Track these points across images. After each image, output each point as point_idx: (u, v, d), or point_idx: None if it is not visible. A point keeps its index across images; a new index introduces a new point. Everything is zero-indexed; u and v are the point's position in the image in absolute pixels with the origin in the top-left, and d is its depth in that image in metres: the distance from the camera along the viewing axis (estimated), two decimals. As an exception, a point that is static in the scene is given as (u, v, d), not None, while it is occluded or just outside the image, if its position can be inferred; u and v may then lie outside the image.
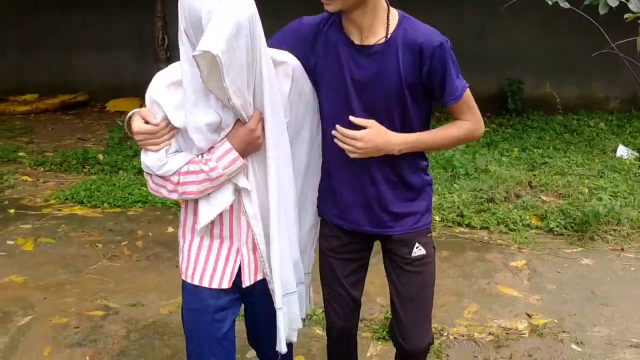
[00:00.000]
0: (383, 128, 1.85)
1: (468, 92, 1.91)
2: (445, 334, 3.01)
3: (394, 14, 1.85)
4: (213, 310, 1.82)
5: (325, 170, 2.01)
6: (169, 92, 1.68)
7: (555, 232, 4.24)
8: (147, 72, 9.11)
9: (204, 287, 1.82)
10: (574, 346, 2.94)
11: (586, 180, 5.09)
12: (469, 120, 1.94)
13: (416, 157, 1.96)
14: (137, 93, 8.91)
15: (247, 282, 1.85)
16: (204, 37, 1.52)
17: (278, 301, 1.82)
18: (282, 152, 1.77)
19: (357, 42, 1.85)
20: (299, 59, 1.85)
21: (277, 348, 1.85)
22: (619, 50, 5.71)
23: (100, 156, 6.00)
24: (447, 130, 1.94)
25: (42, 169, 5.85)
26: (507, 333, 3.02)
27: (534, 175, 5.37)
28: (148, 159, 1.72)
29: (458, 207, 4.56)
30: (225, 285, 1.83)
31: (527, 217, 4.44)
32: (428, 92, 1.88)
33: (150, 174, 1.75)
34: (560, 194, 4.91)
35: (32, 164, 5.96)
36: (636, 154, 5.96)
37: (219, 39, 1.50)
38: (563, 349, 2.91)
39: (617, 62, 5.67)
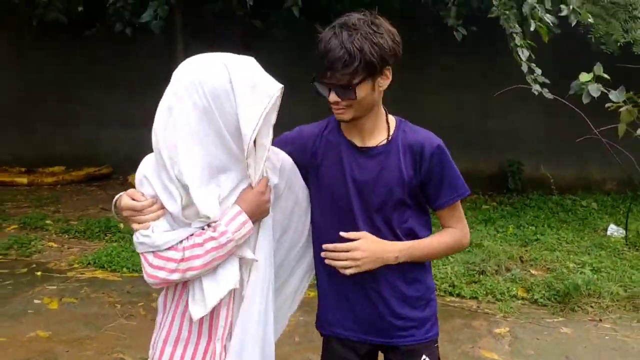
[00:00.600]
0: (376, 237, 1.86)
1: (460, 202, 1.96)
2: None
3: (391, 118, 1.95)
4: None
5: (319, 281, 1.99)
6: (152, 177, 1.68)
7: (539, 303, 4.56)
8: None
9: None
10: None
11: (573, 256, 5.42)
12: (457, 229, 1.98)
13: (414, 266, 1.94)
14: (158, 167, 9.54)
15: None
16: (259, 89, 1.62)
17: None
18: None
19: (359, 144, 1.91)
20: (298, 167, 1.90)
21: None
22: (607, 136, 6.19)
23: (121, 225, 6.44)
24: (440, 238, 1.96)
25: (67, 236, 6.29)
26: (484, 392, 3.31)
27: (526, 250, 5.72)
28: (141, 236, 1.63)
29: (450, 278, 4.90)
30: None
31: (515, 289, 4.76)
32: (426, 192, 1.92)
33: (147, 257, 1.63)
34: (548, 268, 5.23)
35: (58, 232, 6.40)
36: (623, 232, 6.28)
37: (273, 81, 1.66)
38: (534, 407, 3.19)
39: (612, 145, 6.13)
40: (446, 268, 5.09)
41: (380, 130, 1.92)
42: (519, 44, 5.25)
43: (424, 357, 1.95)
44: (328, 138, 1.94)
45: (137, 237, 1.64)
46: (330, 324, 1.98)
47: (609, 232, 6.45)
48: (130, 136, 9.69)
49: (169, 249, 1.61)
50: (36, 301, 4.50)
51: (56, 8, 6.95)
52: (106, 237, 6.19)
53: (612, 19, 6.72)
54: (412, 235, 1.92)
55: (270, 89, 1.64)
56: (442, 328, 4.15)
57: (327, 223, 1.92)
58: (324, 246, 1.88)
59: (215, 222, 1.63)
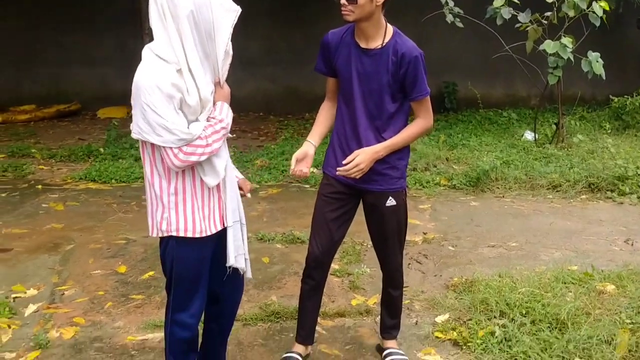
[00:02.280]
0: (366, 148, 2.63)
1: (428, 97, 2.70)
2: (364, 244, 4.36)
3: (390, 29, 2.66)
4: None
5: (332, 138, 2.78)
6: (178, 81, 2.10)
7: (457, 188, 5.70)
8: (132, 83, 10.43)
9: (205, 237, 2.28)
10: (450, 247, 4.36)
11: (489, 154, 6.55)
12: (424, 118, 2.70)
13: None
14: (124, 102, 10.20)
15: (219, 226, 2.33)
16: (228, 4, 2.15)
17: (231, 220, 2.34)
18: None
19: (363, 46, 2.66)
20: (328, 59, 2.73)
21: (228, 264, 2.35)
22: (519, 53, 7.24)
23: (102, 149, 7.28)
24: (409, 131, 2.70)
25: (53, 161, 7.07)
26: (406, 243, 4.39)
27: (452, 153, 6.82)
28: (184, 133, 2.10)
29: (387, 174, 5.96)
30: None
31: (438, 179, 5.87)
32: (403, 88, 2.63)
33: (181, 149, 2.10)
34: (468, 164, 6.34)
35: (45, 157, 7.17)
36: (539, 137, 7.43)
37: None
38: (442, 249, 4.33)
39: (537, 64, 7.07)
40: (384, 167, 6.14)
41: (379, 36, 2.63)
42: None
43: (390, 198, 2.75)
44: (345, 39, 2.71)
45: (177, 135, 2.09)
46: (332, 167, 2.79)
47: (525, 137, 7.61)
48: (95, 73, 10.35)
49: (197, 138, 2.14)
50: (44, 205, 5.37)
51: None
52: (89, 159, 7.01)
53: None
54: (391, 117, 2.68)
55: (233, 7, 2.21)
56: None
57: (340, 102, 2.75)
58: (338, 170, 2.65)
59: (213, 116, 2.23)
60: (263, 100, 9.68)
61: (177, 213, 2.25)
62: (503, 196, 5.49)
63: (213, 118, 2.24)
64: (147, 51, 2.20)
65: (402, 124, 2.74)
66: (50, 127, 9.31)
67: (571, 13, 6.46)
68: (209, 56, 2.19)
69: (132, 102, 2.18)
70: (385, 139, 2.69)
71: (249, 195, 2.56)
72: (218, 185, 2.31)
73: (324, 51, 2.77)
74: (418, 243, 4.44)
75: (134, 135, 2.20)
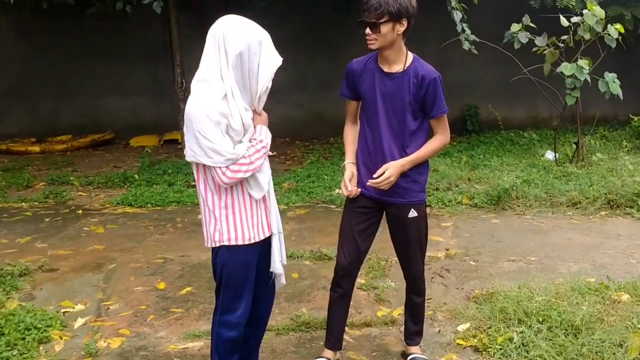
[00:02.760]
0: (393, 162, 2.89)
1: (445, 115, 2.98)
2: (389, 261, 4.57)
3: (410, 55, 2.95)
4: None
5: (356, 156, 3.04)
6: (224, 109, 2.41)
7: (478, 206, 5.88)
8: (162, 112, 10.83)
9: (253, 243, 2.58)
10: (471, 262, 4.55)
11: (510, 173, 6.72)
12: (442, 134, 2.99)
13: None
14: (155, 130, 10.66)
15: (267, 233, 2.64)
16: (273, 55, 2.49)
17: (275, 229, 2.66)
18: None
19: (386, 70, 2.94)
20: (352, 84, 3.01)
21: (271, 269, 2.68)
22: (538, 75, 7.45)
23: (136, 176, 7.63)
24: (430, 146, 2.97)
25: (91, 188, 7.44)
26: (429, 258, 4.60)
27: (474, 173, 7.01)
28: (230, 154, 2.40)
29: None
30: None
31: (460, 198, 6.06)
32: (423, 107, 2.92)
33: (229, 167, 2.41)
34: (489, 183, 6.53)
35: (83, 184, 7.54)
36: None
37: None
38: (464, 264, 4.52)
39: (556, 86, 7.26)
40: (408, 187, 6.36)
41: (400, 62, 2.92)
42: (454, 7, 6.45)
43: (412, 210, 3.00)
44: (369, 66, 3.00)
45: (225, 156, 2.40)
46: (358, 182, 3.04)
47: (546, 157, 7.76)
48: (128, 103, 10.81)
49: (241, 158, 2.45)
50: (85, 228, 5.70)
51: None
52: (125, 186, 7.36)
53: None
54: (412, 134, 2.94)
55: (278, 58, 2.55)
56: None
57: (364, 122, 3.02)
58: (370, 182, 2.92)
59: (254, 138, 2.55)
60: (290, 125, 9.99)
61: (227, 224, 2.55)
62: (523, 213, 5.67)
63: (254, 139, 2.55)
64: (195, 84, 2.50)
65: (423, 140, 3.00)
66: (86, 156, 9.72)
67: (587, 36, 6.67)
68: (249, 90, 2.52)
69: (185, 129, 2.48)
70: (408, 154, 2.95)
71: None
72: (264, 198, 2.62)
73: (348, 77, 3.06)
74: (441, 258, 4.64)
75: (188, 159, 2.50)
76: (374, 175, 2.92)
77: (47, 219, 6.04)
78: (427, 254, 4.63)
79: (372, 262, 4.48)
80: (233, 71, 2.45)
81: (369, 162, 3.02)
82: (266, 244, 2.67)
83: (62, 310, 3.94)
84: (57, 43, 10.42)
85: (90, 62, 10.52)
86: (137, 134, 10.43)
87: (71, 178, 7.84)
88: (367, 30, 2.84)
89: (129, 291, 4.23)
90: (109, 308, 3.98)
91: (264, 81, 2.51)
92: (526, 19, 6.91)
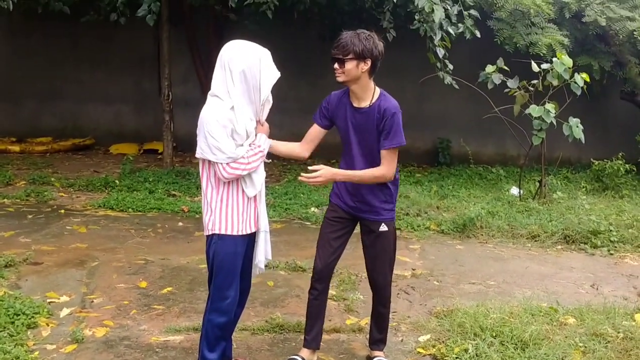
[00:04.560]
0: (329, 168, 3.22)
1: (396, 150, 3.25)
2: (359, 276, 4.87)
3: (377, 91, 3.29)
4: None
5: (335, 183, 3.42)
6: (231, 116, 2.86)
7: (445, 232, 6.24)
8: (144, 122, 11.04)
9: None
10: (435, 282, 4.89)
11: (476, 205, 7.12)
12: (385, 166, 3.24)
13: (382, 185, 3.32)
14: (136, 139, 10.85)
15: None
16: (272, 70, 2.93)
17: (262, 227, 3.09)
18: None
19: (355, 105, 3.29)
20: (328, 116, 3.36)
21: (255, 261, 3.11)
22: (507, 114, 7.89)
23: (117, 181, 7.82)
24: (369, 172, 3.26)
25: (72, 189, 7.61)
26: (396, 276, 4.91)
27: (442, 202, 7.39)
28: (231, 153, 2.83)
29: (382, 217, 6.51)
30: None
31: (428, 224, 6.42)
32: (380, 138, 3.21)
33: (230, 164, 2.84)
34: (456, 212, 6.91)
35: (64, 186, 7.71)
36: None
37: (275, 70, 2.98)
38: (428, 283, 4.86)
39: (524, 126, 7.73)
40: (380, 211, 6.71)
41: (368, 98, 3.27)
42: (437, 44, 6.89)
43: (382, 224, 3.37)
44: (342, 100, 3.36)
45: (226, 154, 2.83)
46: (337, 196, 3.44)
47: (511, 192, 8.19)
48: (110, 111, 10.99)
49: (240, 158, 2.88)
50: (67, 227, 5.90)
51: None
52: (106, 190, 7.54)
53: (516, 24, 8.47)
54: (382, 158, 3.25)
55: (276, 72, 3.00)
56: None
57: (343, 147, 3.38)
58: (302, 176, 3.21)
59: (254, 143, 2.99)
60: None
61: (220, 216, 2.95)
62: (486, 242, 6.04)
63: (253, 144, 3.00)
64: (209, 98, 2.94)
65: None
66: (66, 159, 9.84)
67: (555, 82, 7.14)
68: (253, 102, 2.96)
69: (198, 131, 2.91)
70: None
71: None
72: (255, 198, 3.03)
73: (325, 106, 3.41)
74: (407, 277, 4.96)
75: (197, 155, 2.92)
76: (310, 168, 3.20)
77: (30, 216, 6.21)
78: (395, 272, 4.94)
79: (343, 276, 4.77)
80: (240, 86, 2.87)
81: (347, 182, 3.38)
82: (252, 239, 3.08)
83: (48, 300, 4.14)
84: (45, 46, 10.59)
85: (76, 67, 10.69)
86: (117, 142, 10.57)
87: (52, 179, 7.98)
88: (335, 65, 3.21)
89: (112, 287, 4.45)
90: (92, 301, 4.19)
91: (265, 93, 2.95)
92: (500, 62, 7.38)
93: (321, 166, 3.23)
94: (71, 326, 3.77)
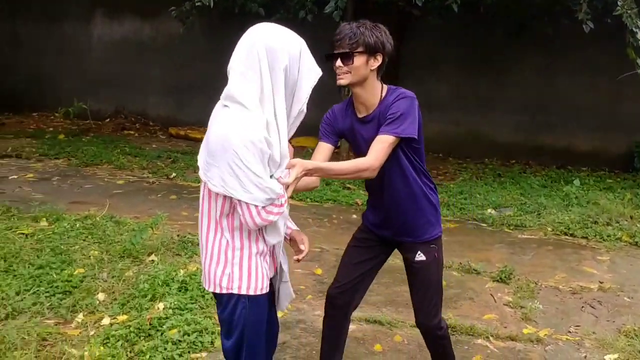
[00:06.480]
0: (302, 160, 2.22)
1: (392, 140, 2.53)
2: (539, 284, 4.61)
3: (385, 89, 2.64)
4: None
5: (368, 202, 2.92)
6: (267, 136, 2.02)
7: (639, 245, 5.65)
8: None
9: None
10: (626, 298, 4.45)
11: (679, 216, 6.37)
12: (369, 155, 2.52)
13: (422, 199, 2.73)
14: (314, 132, 11.20)
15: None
16: (313, 65, 2.13)
17: (284, 276, 2.36)
18: None
19: (359, 115, 2.69)
20: (336, 132, 2.73)
21: (279, 308, 2.43)
22: None
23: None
24: (348, 163, 2.55)
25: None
26: (581, 288, 4.58)
27: (637, 212, 6.71)
28: (273, 193, 2.03)
29: (567, 224, 6.10)
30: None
31: (620, 234, 5.87)
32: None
33: (260, 210, 2.02)
34: (654, 224, 6.24)
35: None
36: None
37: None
38: (617, 299, 4.44)
39: None
40: (564, 216, 6.29)
41: (375, 101, 2.64)
42: (639, 38, 6.25)
43: (418, 252, 2.74)
44: (347, 112, 2.75)
45: (267, 194, 2.03)
46: (366, 219, 2.93)
47: None
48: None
49: (273, 204, 2.05)
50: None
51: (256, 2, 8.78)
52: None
53: None
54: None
55: (317, 69, 2.17)
56: (555, 252, 5.40)
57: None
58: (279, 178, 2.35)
59: (282, 177, 2.12)
60: (444, 142, 10.08)
61: (241, 268, 2.14)
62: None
63: (281, 178, 2.13)
64: (228, 102, 2.09)
65: (420, 167, 2.76)
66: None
67: None
68: (289, 112, 2.15)
69: (210, 154, 2.05)
70: (418, 182, 2.73)
71: (302, 255, 2.42)
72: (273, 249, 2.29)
73: (329, 122, 2.77)
74: (593, 290, 4.59)
75: (216, 189, 2.05)
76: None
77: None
78: (580, 283, 4.66)
79: (521, 283, 4.56)
80: (278, 90, 2.07)
81: (372, 198, 2.91)
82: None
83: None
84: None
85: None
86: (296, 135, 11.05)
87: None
88: (338, 63, 2.54)
89: (290, 272, 4.63)
90: (272, 283, 4.43)
91: (301, 99, 2.13)
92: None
93: (293, 160, 2.21)
94: (253, 305, 4.01)
